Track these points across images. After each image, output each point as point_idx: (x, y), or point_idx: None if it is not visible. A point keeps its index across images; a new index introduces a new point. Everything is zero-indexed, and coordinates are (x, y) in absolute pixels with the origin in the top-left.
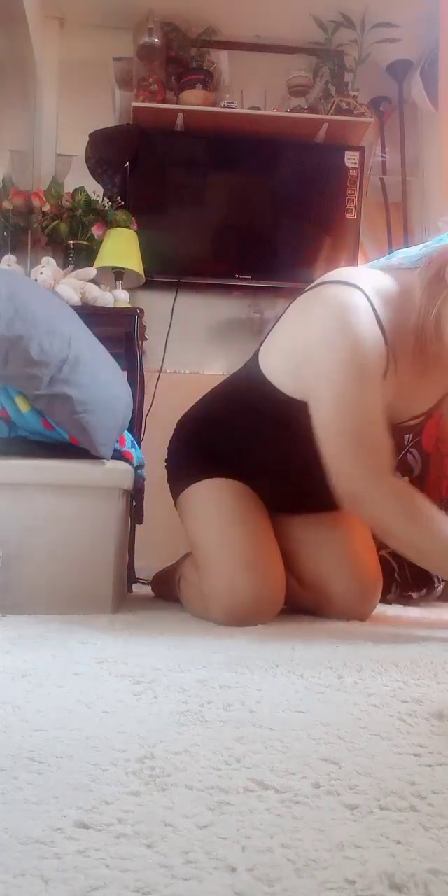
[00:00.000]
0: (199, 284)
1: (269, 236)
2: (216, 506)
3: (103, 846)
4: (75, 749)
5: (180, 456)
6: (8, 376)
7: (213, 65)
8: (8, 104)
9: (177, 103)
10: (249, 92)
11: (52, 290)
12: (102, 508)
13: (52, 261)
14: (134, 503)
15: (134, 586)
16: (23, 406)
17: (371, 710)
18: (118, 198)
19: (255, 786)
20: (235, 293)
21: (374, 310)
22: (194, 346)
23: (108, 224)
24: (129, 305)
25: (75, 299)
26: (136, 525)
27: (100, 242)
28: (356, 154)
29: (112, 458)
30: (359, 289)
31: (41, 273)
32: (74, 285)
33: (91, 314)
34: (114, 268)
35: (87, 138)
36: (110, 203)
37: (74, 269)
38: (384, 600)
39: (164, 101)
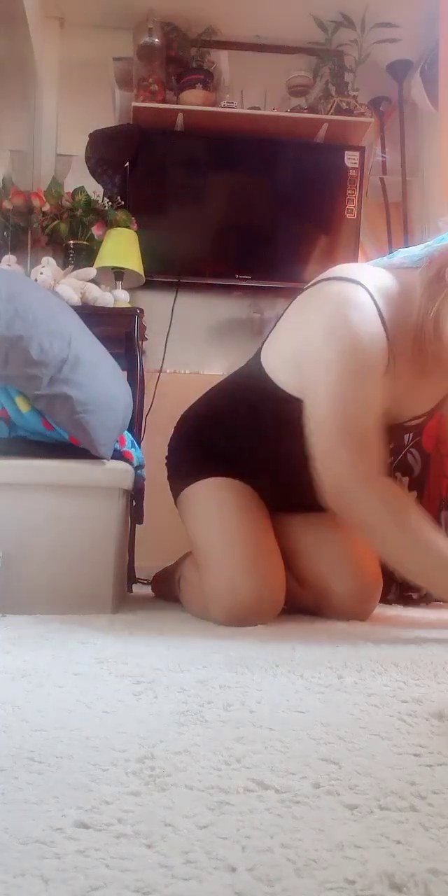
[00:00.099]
0: (199, 284)
1: (269, 236)
2: (217, 505)
3: (103, 846)
4: (75, 749)
5: (181, 454)
6: (8, 376)
7: (213, 65)
8: (8, 104)
9: (177, 103)
10: (249, 92)
11: (52, 290)
12: (102, 508)
13: (52, 261)
14: (134, 503)
15: (134, 586)
16: (23, 406)
17: (371, 710)
18: (118, 198)
19: (255, 786)
20: (235, 293)
21: (377, 307)
22: (194, 346)
23: (108, 224)
24: (129, 305)
25: (75, 299)
26: (136, 525)
27: (100, 242)
28: (356, 154)
29: (112, 458)
30: (361, 285)
31: (41, 273)
32: (74, 285)
33: (91, 314)
34: (114, 268)
35: (87, 138)
36: (110, 203)
37: (74, 269)
38: (384, 600)
39: (164, 101)
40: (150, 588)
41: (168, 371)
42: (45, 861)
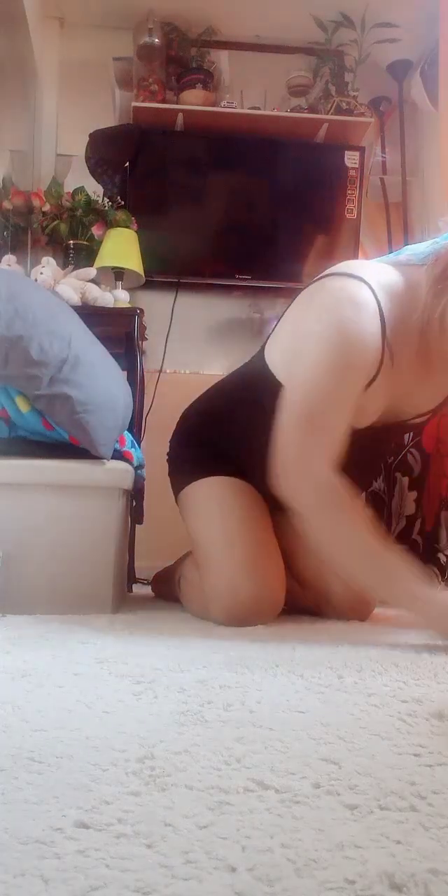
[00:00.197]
0: (199, 284)
1: (269, 236)
2: (217, 505)
3: (103, 846)
4: (75, 749)
5: (182, 451)
6: (8, 376)
7: (213, 65)
8: (8, 104)
9: (177, 103)
10: (249, 92)
11: (52, 290)
12: (102, 508)
13: (52, 261)
14: (134, 503)
15: (134, 586)
16: (23, 406)
17: (371, 710)
18: (118, 198)
19: (255, 786)
20: (235, 293)
21: (379, 305)
22: (194, 346)
23: (108, 224)
24: (129, 305)
25: (75, 299)
26: (136, 525)
27: (100, 242)
28: (356, 154)
29: (112, 458)
30: (364, 282)
31: (41, 273)
32: (74, 285)
33: (91, 314)
34: (114, 268)
35: (87, 138)
36: (110, 203)
37: (74, 269)
38: None
39: (164, 101)
40: (150, 588)
41: (168, 371)
42: (45, 861)
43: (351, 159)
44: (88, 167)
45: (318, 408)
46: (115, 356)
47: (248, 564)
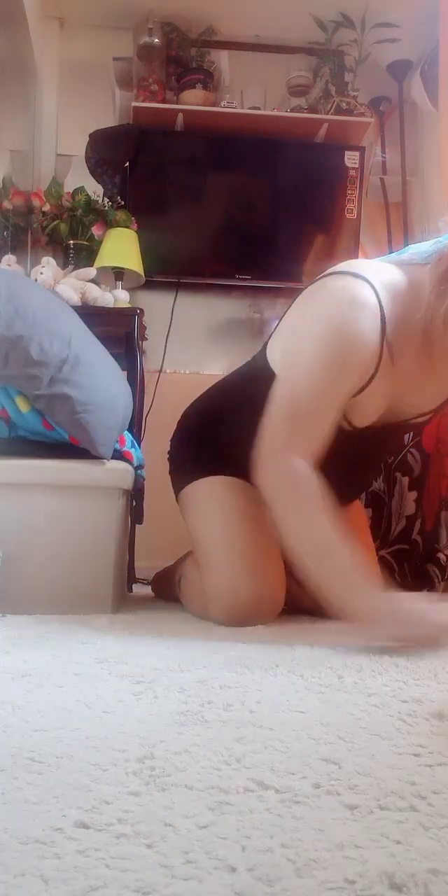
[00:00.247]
0: (199, 284)
1: (269, 236)
2: (218, 504)
3: (103, 846)
4: (75, 749)
5: (183, 450)
6: (8, 376)
7: (213, 65)
8: (8, 104)
9: (177, 103)
10: (249, 92)
11: (52, 290)
12: (102, 508)
13: (52, 261)
14: (134, 503)
15: (134, 586)
16: (23, 406)
17: (371, 710)
18: (118, 198)
19: (255, 786)
20: (235, 293)
21: (380, 304)
22: (194, 346)
23: (108, 224)
24: (129, 305)
25: (75, 299)
26: (136, 525)
27: (100, 242)
28: (356, 154)
29: (112, 458)
30: (366, 281)
31: (41, 273)
32: (74, 285)
33: (91, 314)
34: (114, 268)
35: (87, 138)
36: (110, 203)
37: (74, 269)
38: None
39: (164, 101)
40: (151, 588)
41: (168, 371)
42: (45, 861)
43: (351, 159)
44: (88, 167)
45: (306, 401)
46: (115, 356)
47: (248, 565)
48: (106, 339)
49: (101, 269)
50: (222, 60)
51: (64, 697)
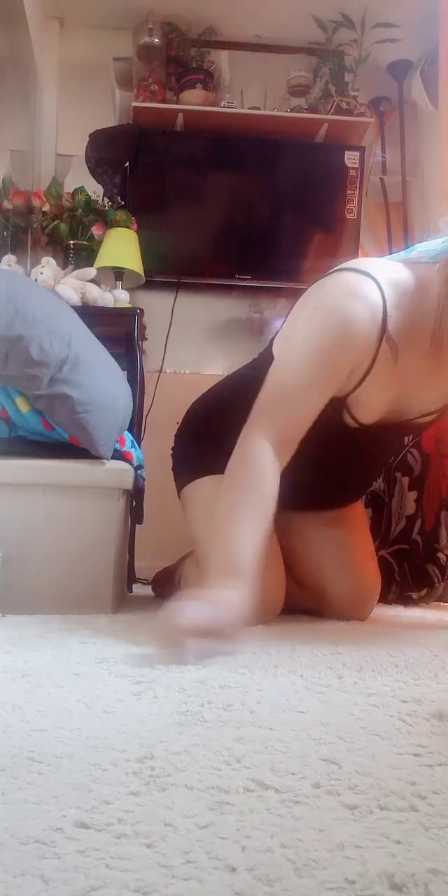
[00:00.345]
0: (199, 284)
1: (269, 236)
2: None
3: (103, 846)
4: (75, 749)
5: (186, 447)
6: (8, 376)
7: (213, 65)
8: (8, 104)
9: (177, 103)
10: (249, 92)
11: (52, 290)
12: (102, 508)
13: (52, 261)
14: (134, 503)
15: (134, 586)
16: (23, 406)
17: (371, 710)
18: (118, 198)
19: (255, 786)
20: (235, 293)
21: (384, 302)
22: (194, 346)
23: (108, 224)
24: (129, 305)
25: (75, 299)
26: (136, 525)
27: (100, 242)
28: (356, 154)
29: (112, 457)
30: (371, 277)
31: (41, 273)
32: (74, 285)
33: (91, 314)
34: (114, 268)
35: (87, 138)
36: (110, 203)
37: (74, 269)
38: (384, 600)
39: (164, 101)
40: (151, 588)
41: (168, 371)
42: (45, 861)
43: (351, 159)
44: (88, 167)
45: (292, 383)
46: (115, 356)
47: None
48: (106, 339)
49: (101, 269)
50: (222, 60)
51: (64, 697)
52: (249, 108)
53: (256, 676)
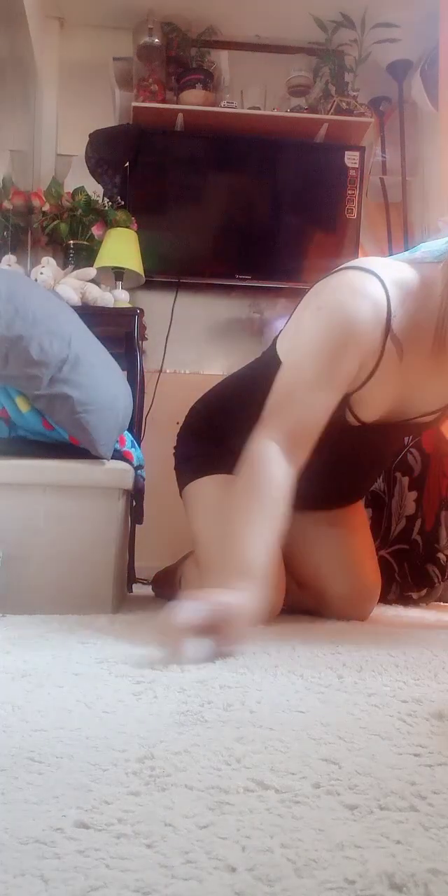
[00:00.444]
0: (199, 284)
1: (269, 236)
2: (220, 504)
3: (103, 846)
4: (75, 749)
5: (189, 445)
6: (8, 376)
7: (213, 65)
8: (8, 104)
9: (177, 103)
10: (249, 92)
11: (52, 290)
12: (102, 508)
13: (52, 261)
14: (134, 503)
15: (134, 586)
16: (23, 406)
17: (371, 710)
18: (118, 198)
19: (255, 786)
20: (235, 293)
21: (388, 301)
22: (194, 346)
23: (108, 224)
24: (129, 305)
25: (75, 299)
26: (136, 525)
27: (100, 242)
28: (356, 154)
29: (112, 457)
30: (375, 276)
31: (41, 273)
32: (74, 285)
33: (91, 314)
34: (114, 268)
35: (87, 138)
36: (110, 203)
37: (74, 269)
38: (384, 600)
39: (164, 101)
40: (151, 588)
41: (168, 371)
42: (45, 861)
43: (351, 159)
44: (88, 167)
45: (300, 383)
46: (115, 356)
47: None
48: (106, 339)
49: (101, 269)
50: (222, 60)
51: (64, 697)
52: (249, 108)
53: (256, 676)
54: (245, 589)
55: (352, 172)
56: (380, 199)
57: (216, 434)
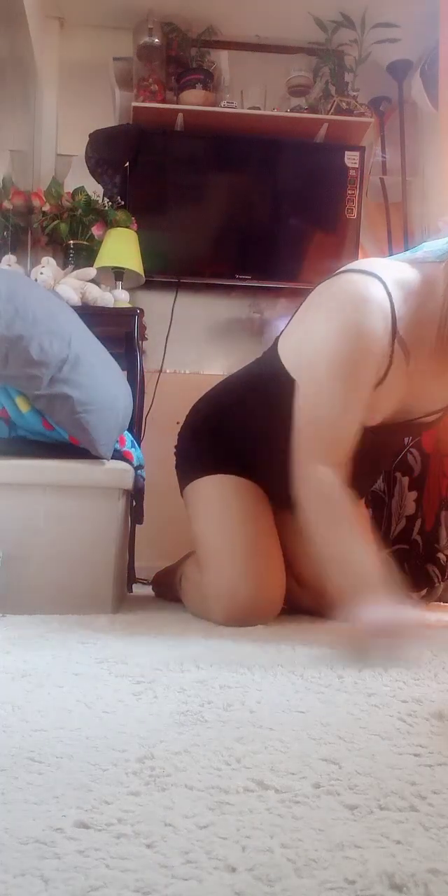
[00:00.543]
0: (199, 284)
1: (269, 236)
2: (221, 504)
3: (103, 846)
4: (75, 749)
5: (190, 445)
6: (8, 376)
7: (213, 65)
8: (8, 104)
9: (177, 103)
10: (249, 92)
11: (52, 290)
12: (102, 508)
13: (52, 261)
14: (134, 503)
15: (134, 586)
16: (23, 406)
17: (371, 710)
18: (118, 198)
19: (255, 786)
20: (235, 293)
21: (392, 303)
22: (194, 346)
23: (108, 224)
24: (129, 305)
25: (75, 299)
26: (136, 525)
27: (100, 242)
28: (356, 154)
29: (112, 457)
30: (379, 279)
31: (41, 273)
32: (74, 285)
33: (91, 314)
34: (114, 268)
35: (87, 138)
36: (110, 203)
37: (74, 269)
38: None
39: (164, 101)
40: (151, 588)
41: (168, 371)
42: (45, 861)
43: (351, 159)
44: (88, 167)
45: (326, 409)
46: (115, 356)
47: (248, 566)
48: (106, 339)
49: (101, 269)
50: (222, 60)
51: (64, 697)
52: (249, 108)
53: (256, 676)
54: (387, 601)
55: (352, 172)
56: (380, 199)
57: (217, 434)
